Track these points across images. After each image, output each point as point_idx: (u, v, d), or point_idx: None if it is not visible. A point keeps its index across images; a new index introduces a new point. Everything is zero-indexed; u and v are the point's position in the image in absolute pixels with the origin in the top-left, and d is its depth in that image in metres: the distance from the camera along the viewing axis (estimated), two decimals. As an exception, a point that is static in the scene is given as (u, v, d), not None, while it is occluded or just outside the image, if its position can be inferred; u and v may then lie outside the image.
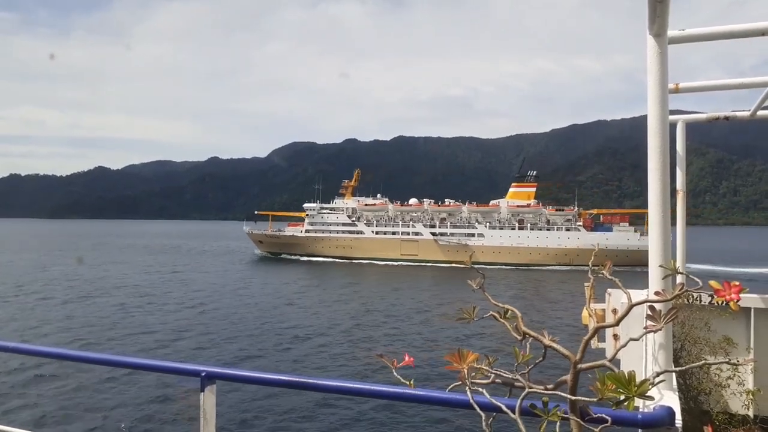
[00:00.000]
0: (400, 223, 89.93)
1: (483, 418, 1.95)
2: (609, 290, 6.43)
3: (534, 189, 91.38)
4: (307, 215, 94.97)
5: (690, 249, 7.67)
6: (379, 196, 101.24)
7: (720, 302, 1.72)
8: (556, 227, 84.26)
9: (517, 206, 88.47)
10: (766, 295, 5.63)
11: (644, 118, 3.24)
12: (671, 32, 3.42)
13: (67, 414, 18.59)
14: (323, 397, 19.30)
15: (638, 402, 1.69)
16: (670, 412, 2.04)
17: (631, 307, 1.84)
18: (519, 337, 1.99)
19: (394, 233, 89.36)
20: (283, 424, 17.80)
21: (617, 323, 1.91)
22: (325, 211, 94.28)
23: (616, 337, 5.12)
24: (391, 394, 2.47)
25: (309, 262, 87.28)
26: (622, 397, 1.66)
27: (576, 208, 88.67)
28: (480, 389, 1.98)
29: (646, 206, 3.23)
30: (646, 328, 1.82)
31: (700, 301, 5.34)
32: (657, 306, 1.81)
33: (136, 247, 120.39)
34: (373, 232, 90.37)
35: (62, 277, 59.49)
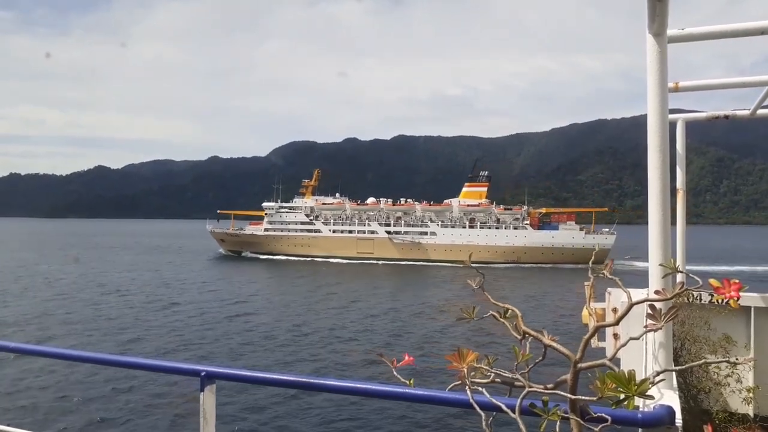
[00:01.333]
0: (357, 221, 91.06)
1: (483, 417, 1.95)
2: (609, 289, 6.43)
3: (485, 189, 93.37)
4: (266, 214, 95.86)
5: (690, 248, 7.66)
6: (337, 195, 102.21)
7: (720, 300, 1.72)
8: (504, 226, 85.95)
9: (469, 205, 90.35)
10: (765, 293, 5.63)
11: (644, 117, 3.23)
12: (671, 31, 3.42)
13: (65, 413, 18.59)
14: (323, 397, 19.33)
15: (638, 401, 1.69)
16: (670, 411, 2.04)
17: (631, 306, 1.83)
18: (519, 337, 1.99)
19: (350, 232, 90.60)
20: (282, 424, 17.81)
21: (617, 322, 1.91)
22: (283, 210, 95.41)
23: (616, 336, 5.12)
24: (391, 394, 2.47)
25: (266, 260, 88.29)
26: (622, 397, 1.66)
27: (525, 207, 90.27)
28: (480, 389, 1.98)
29: (646, 205, 3.23)
30: (646, 327, 1.81)
31: (700, 299, 5.33)
32: (657, 305, 1.81)
33: (130, 246, 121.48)
34: (330, 230, 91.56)
35: (48, 276, 59.88)
